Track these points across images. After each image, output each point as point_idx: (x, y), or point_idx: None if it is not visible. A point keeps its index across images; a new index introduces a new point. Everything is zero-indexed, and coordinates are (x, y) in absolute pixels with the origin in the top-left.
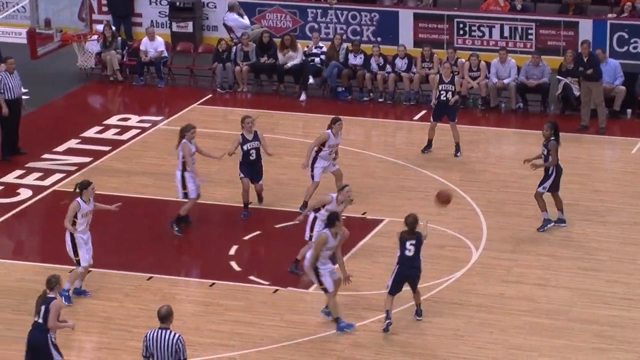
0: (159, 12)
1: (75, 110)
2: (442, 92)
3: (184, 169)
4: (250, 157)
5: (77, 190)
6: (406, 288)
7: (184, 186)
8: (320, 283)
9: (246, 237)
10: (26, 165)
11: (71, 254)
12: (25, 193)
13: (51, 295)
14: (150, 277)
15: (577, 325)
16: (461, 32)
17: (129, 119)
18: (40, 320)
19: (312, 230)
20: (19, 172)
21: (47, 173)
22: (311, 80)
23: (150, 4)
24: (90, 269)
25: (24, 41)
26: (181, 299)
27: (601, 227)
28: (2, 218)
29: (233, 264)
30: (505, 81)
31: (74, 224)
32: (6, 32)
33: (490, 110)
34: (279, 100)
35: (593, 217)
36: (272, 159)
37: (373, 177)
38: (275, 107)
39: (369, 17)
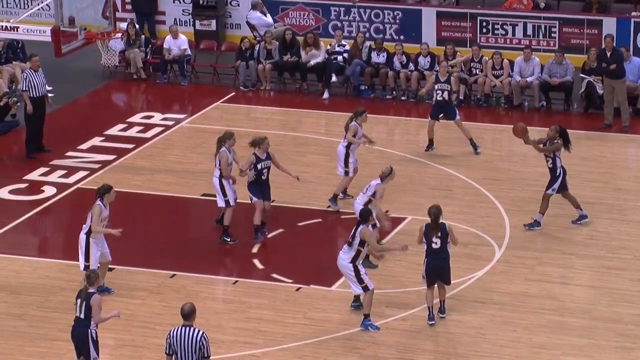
0: (183, 10)
1: (99, 108)
2: (438, 92)
3: (221, 176)
4: (262, 177)
5: (98, 194)
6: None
7: (224, 194)
8: (361, 281)
9: (269, 235)
10: (50, 163)
11: (82, 257)
12: (49, 190)
13: (91, 290)
14: (174, 275)
15: (600, 324)
16: (484, 30)
17: (152, 116)
18: (82, 316)
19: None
20: (43, 169)
21: (71, 171)
22: (334, 79)
23: (174, 2)
24: (112, 265)
25: (48, 39)
26: (204, 297)
27: (624, 225)
28: (27, 215)
29: (256, 261)
30: (529, 79)
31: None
32: (31, 30)
33: (513, 108)
34: (301, 99)
35: (616, 215)
36: (295, 156)
37: (395, 175)
38: (298, 105)
39: (392, 15)
